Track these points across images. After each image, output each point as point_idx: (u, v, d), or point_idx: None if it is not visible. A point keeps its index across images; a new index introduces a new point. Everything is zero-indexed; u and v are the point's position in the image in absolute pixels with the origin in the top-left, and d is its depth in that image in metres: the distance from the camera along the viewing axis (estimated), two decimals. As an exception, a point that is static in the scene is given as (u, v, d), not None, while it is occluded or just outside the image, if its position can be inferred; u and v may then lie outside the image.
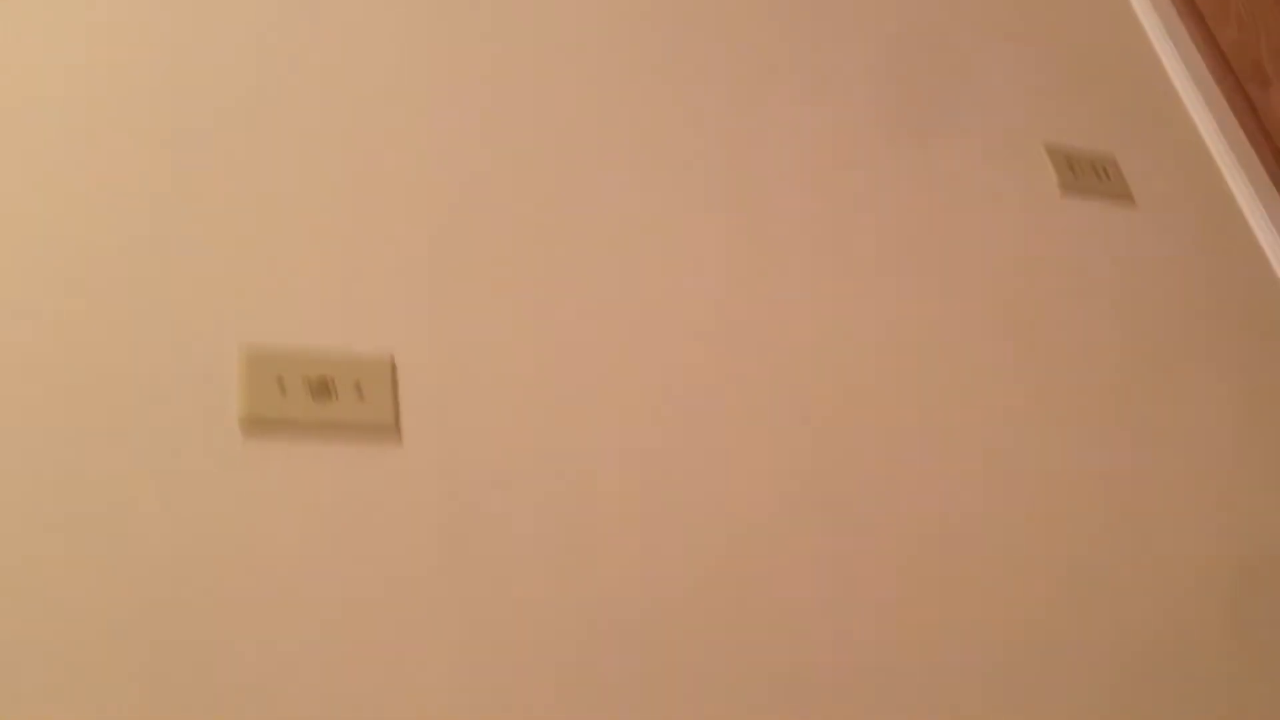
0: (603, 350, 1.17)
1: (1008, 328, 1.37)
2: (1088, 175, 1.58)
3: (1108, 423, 1.34)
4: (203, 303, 1.05)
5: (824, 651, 1.07)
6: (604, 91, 1.36)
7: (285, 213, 1.13)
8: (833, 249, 1.35)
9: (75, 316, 1.00)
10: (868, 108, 1.51)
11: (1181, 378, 1.42)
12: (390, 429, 1.05)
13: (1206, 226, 1.61)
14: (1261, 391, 1.46)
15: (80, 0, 1.15)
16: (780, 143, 1.42)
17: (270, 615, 0.93)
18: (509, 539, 1.03)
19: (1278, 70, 1.73)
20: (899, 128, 1.50)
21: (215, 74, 1.18)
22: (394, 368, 1.08)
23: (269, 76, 1.20)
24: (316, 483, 1.00)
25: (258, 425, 1.01)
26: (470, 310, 1.14)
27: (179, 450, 0.97)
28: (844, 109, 1.49)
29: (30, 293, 1.00)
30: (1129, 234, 1.54)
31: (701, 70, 1.44)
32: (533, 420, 1.10)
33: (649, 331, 1.20)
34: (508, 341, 1.14)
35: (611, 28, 1.41)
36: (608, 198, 1.28)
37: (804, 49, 1.52)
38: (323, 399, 1.05)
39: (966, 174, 1.49)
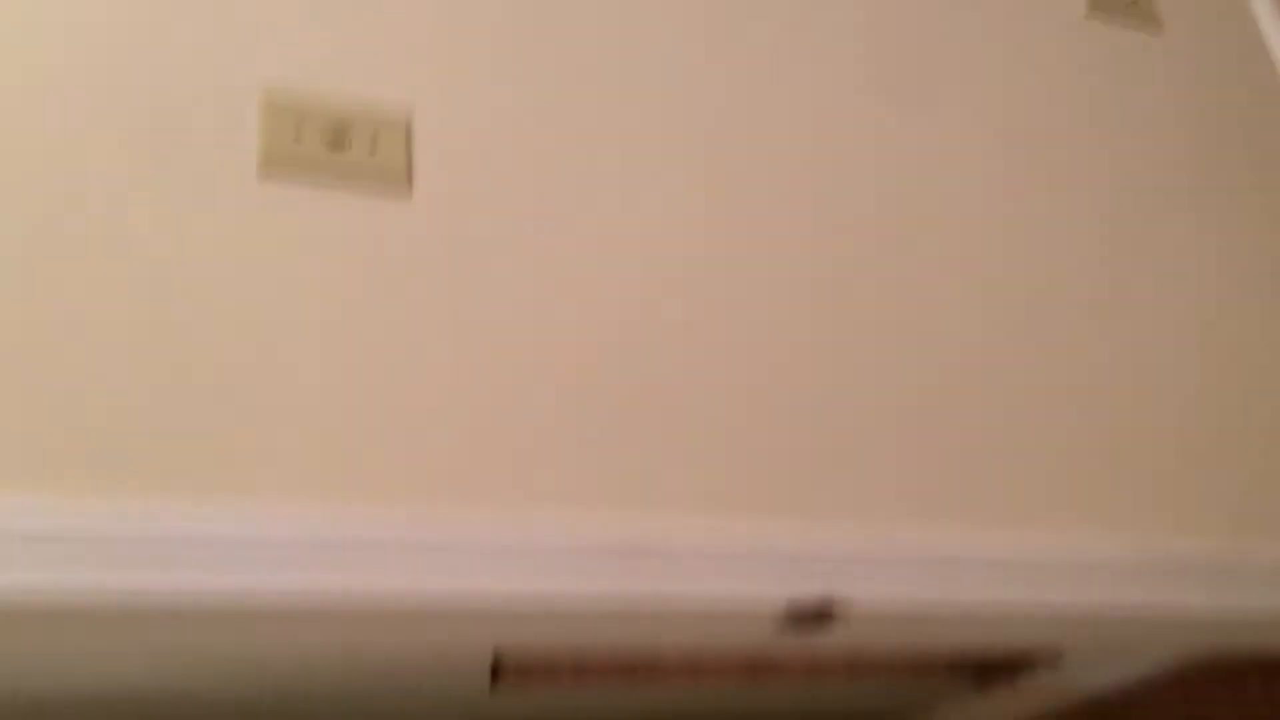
0: (614, 130, 1.19)
1: (1015, 145, 1.38)
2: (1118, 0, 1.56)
3: (1104, 237, 1.36)
4: (228, 43, 1.07)
5: (805, 417, 1.11)
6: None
7: (309, -36, 1.13)
8: (847, 62, 1.35)
9: (107, 45, 1.02)
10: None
11: (1185, 203, 1.43)
12: (402, 181, 1.07)
13: (1231, 61, 1.60)
14: (1262, 221, 1.47)
15: None
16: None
17: (267, 338, 0.96)
18: (505, 291, 1.06)
19: (1322, -90, 1.70)
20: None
21: None
22: (410, 124, 1.10)
23: None
24: (326, 225, 1.03)
25: (274, 166, 1.03)
26: (491, 77, 1.16)
27: (195, 182, 1.00)
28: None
29: (66, 25, 1.02)
30: (1151, 60, 1.54)
31: None
32: (539, 187, 1.12)
33: (662, 112, 1.21)
34: (523, 111, 1.15)
35: None
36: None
37: None
38: (339, 147, 1.07)
39: (995, -9, 1.48)
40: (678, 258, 1.14)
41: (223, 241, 0.98)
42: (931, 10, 1.43)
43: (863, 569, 1.06)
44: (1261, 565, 1.18)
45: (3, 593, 0.82)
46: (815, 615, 1.07)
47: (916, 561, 1.06)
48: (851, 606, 1.06)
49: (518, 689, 3.30)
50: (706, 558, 1.01)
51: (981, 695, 2.00)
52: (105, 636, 0.92)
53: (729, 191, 1.20)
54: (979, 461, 1.15)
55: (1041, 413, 1.20)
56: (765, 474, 1.07)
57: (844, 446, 1.11)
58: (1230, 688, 1.76)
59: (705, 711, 2.29)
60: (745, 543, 1.03)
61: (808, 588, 1.04)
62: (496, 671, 3.42)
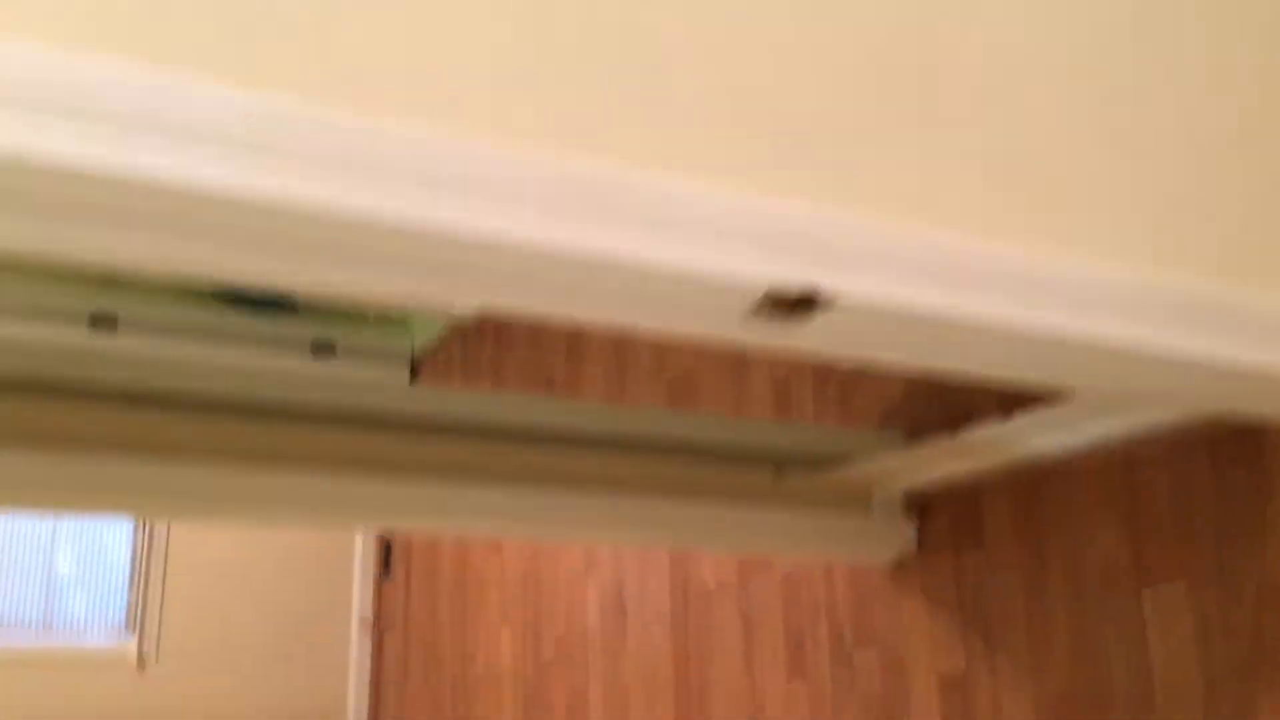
0: None
1: None
2: None
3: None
4: None
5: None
6: None
7: None
8: None
9: None
10: None
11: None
12: None
13: None
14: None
15: None
16: None
17: None
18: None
19: None
20: None
21: None
22: None
23: None
24: None
25: None
26: None
27: None
28: None
29: None
30: None
31: None
32: None
33: None
34: None
35: None
36: None
37: None
38: None
39: None
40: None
41: None
42: None
43: (858, 262, 0.96)
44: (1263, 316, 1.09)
45: None
46: (796, 303, 0.97)
47: (919, 263, 0.96)
48: (837, 300, 0.96)
49: (437, 388, 3.24)
50: (695, 221, 0.90)
51: (914, 448, 1.95)
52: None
53: None
54: (992, 170, 1.03)
55: (1063, 134, 1.09)
56: (769, 141, 0.95)
57: (867, 133, 0.99)
58: (1170, 465, 1.73)
59: (623, 434, 2.24)
60: (736, 211, 0.92)
61: (794, 272, 0.94)
62: (414, 368, 3.35)
